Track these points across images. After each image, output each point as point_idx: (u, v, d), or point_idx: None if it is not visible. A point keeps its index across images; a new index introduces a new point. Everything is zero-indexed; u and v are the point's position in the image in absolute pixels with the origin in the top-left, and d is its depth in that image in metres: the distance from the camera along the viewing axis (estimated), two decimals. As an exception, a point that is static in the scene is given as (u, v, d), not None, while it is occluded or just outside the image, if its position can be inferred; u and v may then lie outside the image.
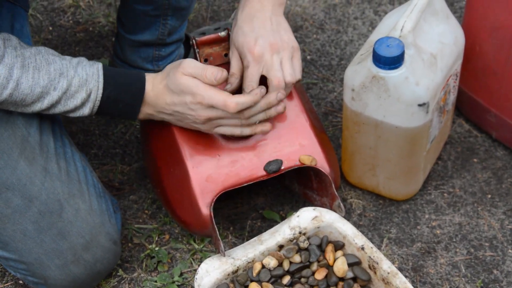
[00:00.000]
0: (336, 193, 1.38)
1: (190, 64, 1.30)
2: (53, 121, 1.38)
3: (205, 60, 1.44)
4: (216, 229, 1.33)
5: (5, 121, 1.30)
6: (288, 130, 1.40)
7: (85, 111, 1.30)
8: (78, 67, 1.28)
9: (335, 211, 1.38)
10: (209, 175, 1.38)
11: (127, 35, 1.62)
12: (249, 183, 1.38)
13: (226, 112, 1.31)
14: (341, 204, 1.37)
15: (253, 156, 1.39)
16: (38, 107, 1.27)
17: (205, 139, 1.40)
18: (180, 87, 1.30)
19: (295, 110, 1.44)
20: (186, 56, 1.72)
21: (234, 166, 1.39)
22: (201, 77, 1.30)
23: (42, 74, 1.24)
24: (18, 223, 1.31)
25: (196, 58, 1.42)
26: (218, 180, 1.38)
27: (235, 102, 1.30)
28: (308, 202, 1.50)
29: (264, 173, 1.39)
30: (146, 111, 1.34)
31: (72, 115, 1.30)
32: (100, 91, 1.29)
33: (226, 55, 1.44)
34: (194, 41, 1.41)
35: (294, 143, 1.42)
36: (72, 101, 1.28)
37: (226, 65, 1.44)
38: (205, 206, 1.36)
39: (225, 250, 1.32)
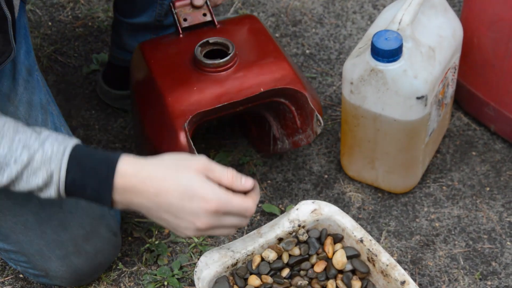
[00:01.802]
0: (313, 107, 1.42)
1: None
2: (53, 115, 1.39)
3: (184, 20, 1.48)
4: (194, 149, 1.35)
5: (4, 114, 1.29)
6: (267, 62, 1.45)
7: (52, 193, 1.13)
8: (46, 141, 1.12)
9: (316, 131, 1.43)
10: (186, 100, 1.40)
11: (124, 19, 1.62)
12: (230, 112, 1.42)
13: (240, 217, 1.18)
14: (319, 117, 1.41)
15: (233, 80, 1.43)
16: None
17: (182, 75, 1.43)
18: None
19: (269, 47, 1.49)
20: None
21: (213, 89, 1.42)
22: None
23: (3, 142, 1.10)
24: (19, 214, 1.31)
25: (175, 21, 1.47)
26: (195, 103, 1.40)
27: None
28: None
29: (243, 96, 1.41)
30: (126, 199, 1.13)
31: (42, 195, 1.14)
32: (63, 173, 1.11)
33: (205, 14, 1.49)
34: (171, 4, 1.47)
35: (274, 73, 1.45)
36: (34, 179, 1.11)
37: (204, 26, 1.49)
38: (181, 127, 1.37)
39: (224, 244, 1.32)
